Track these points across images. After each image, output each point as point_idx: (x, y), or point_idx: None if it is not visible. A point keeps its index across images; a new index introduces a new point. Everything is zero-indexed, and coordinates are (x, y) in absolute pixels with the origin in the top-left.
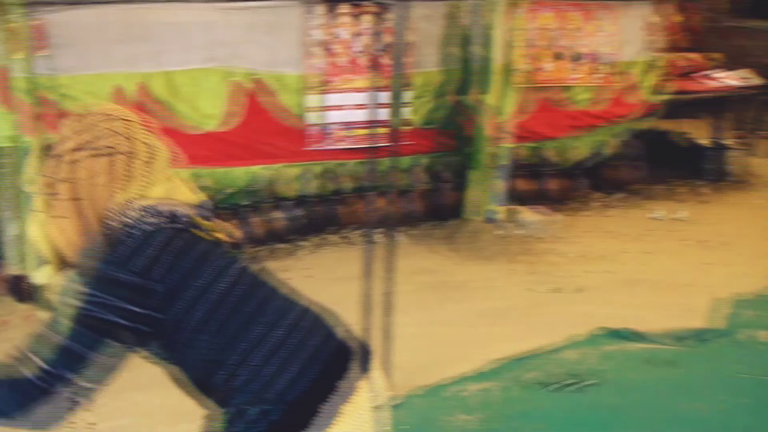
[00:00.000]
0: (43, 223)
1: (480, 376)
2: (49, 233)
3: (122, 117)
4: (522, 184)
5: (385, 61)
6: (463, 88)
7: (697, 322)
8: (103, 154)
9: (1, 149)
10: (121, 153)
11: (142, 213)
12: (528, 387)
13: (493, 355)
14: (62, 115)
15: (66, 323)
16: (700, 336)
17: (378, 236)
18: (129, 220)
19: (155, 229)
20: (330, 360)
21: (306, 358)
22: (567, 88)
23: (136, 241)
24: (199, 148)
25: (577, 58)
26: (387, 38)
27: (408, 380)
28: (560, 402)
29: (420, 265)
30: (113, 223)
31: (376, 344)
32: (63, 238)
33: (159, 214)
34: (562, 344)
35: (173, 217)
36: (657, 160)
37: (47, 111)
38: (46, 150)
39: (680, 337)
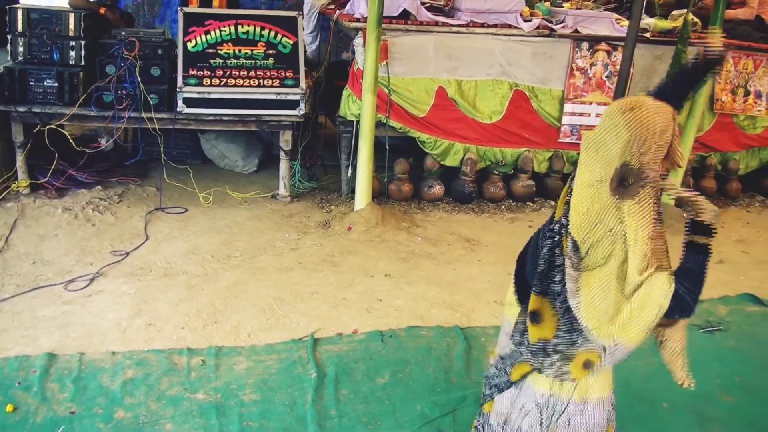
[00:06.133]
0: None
1: None
2: None
3: None
4: (708, 183)
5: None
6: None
7: None
8: None
9: (350, 122)
10: None
11: None
12: None
13: None
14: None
15: None
16: None
17: None
18: None
19: None
20: None
21: None
22: (736, 115)
23: None
24: (485, 132)
25: (747, 93)
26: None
27: None
28: (698, 338)
29: None
30: None
31: None
32: None
33: None
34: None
35: None
36: None
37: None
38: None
39: None
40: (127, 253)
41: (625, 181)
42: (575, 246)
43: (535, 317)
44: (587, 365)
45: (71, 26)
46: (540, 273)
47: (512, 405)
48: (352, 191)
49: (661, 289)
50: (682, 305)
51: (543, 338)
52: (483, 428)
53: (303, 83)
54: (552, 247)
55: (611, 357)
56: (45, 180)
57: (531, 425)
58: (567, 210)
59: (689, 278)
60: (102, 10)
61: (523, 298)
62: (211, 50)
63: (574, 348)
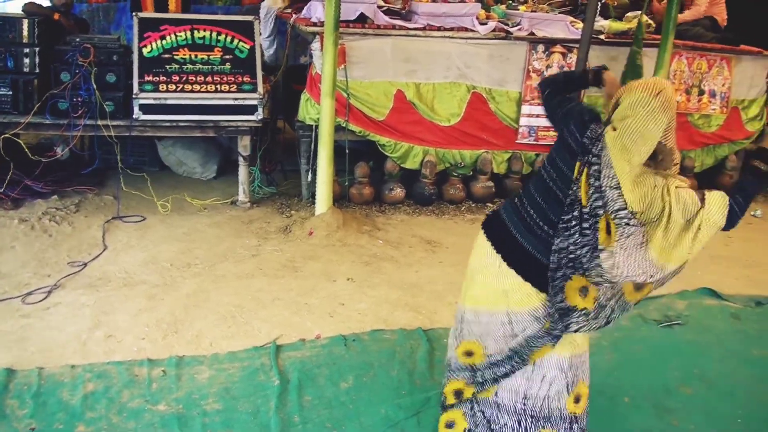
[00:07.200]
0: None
1: None
2: None
3: None
4: None
5: None
6: None
7: (761, 291)
8: None
9: (309, 126)
10: None
11: None
12: (634, 318)
13: None
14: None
15: None
16: (760, 301)
17: None
18: None
19: None
20: None
21: None
22: (691, 114)
23: None
24: (444, 135)
25: (701, 92)
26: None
27: None
28: (657, 332)
29: None
30: None
31: None
32: None
33: None
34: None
35: None
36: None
37: (340, 103)
38: None
39: (745, 300)
40: (85, 264)
41: (656, 157)
42: (632, 214)
43: (585, 291)
44: (638, 287)
45: (25, 33)
46: (577, 257)
47: (529, 380)
48: (313, 196)
49: (719, 211)
50: (731, 219)
51: (595, 297)
52: (483, 414)
53: (261, 88)
54: (583, 231)
55: (661, 279)
56: (0, 191)
57: (559, 391)
58: (599, 191)
59: (742, 194)
60: (56, 16)
61: (540, 286)
62: (166, 56)
63: (617, 285)
